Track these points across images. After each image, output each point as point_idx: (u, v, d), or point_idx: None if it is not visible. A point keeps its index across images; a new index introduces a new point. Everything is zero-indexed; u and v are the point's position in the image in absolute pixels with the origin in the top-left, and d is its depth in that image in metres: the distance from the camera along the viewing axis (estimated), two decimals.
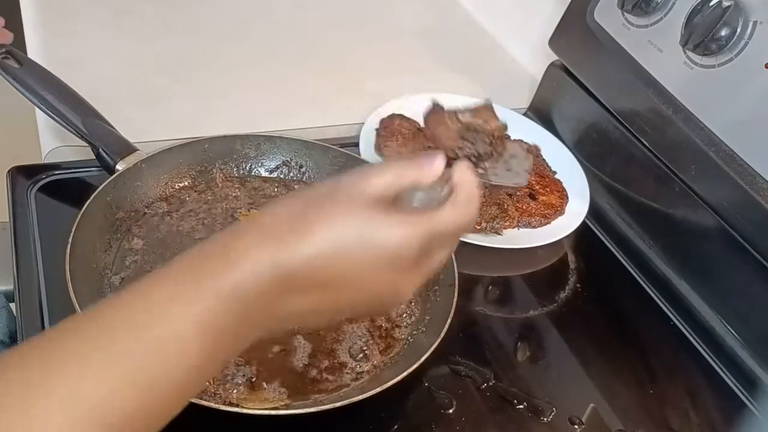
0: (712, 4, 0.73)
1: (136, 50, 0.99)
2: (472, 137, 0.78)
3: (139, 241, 0.72)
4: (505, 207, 0.84)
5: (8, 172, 0.79)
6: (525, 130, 0.96)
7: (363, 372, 0.65)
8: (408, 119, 0.94)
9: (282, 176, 0.83)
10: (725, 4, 0.71)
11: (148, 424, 0.39)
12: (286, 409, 0.60)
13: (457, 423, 0.65)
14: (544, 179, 0.90)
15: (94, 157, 0.77)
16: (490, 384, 0.69)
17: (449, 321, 0.66)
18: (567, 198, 0.89)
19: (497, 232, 0.83)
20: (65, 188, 0.80)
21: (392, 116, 0.93)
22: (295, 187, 0.83)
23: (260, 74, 1.00)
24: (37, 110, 0.83)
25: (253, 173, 0.83)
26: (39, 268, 0.70)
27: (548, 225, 0.86)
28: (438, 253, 0.47)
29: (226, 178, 0.81)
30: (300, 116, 0.94)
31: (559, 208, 0.87)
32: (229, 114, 0.92)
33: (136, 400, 0.38)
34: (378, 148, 0.90)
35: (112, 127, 0.78)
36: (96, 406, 0.37)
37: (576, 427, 0.67)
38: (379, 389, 0.60)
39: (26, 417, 0.36)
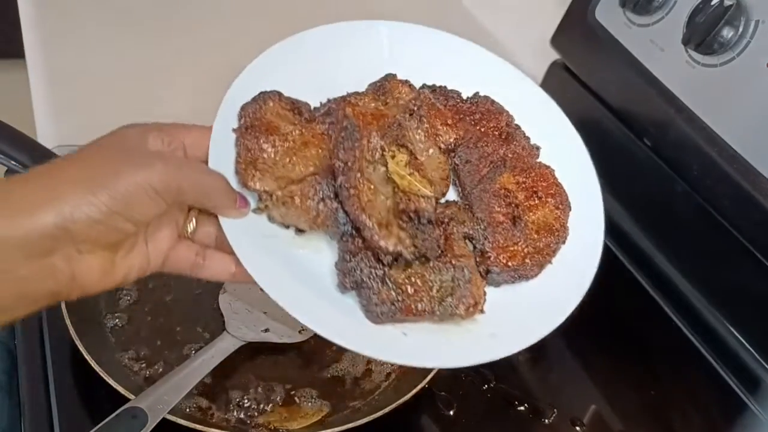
0: (713, 3, 0.72)
1: (135, 49, 0.99)
2: (411, 228, 0.50)
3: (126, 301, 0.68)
4: (464, 272, 0.51)
5: (7, 172, 0.78)
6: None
7: (390, 371, 0.66)
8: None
9: None
10: (727, 3, 0.71)
11: None
12: (323, 426, 0.60)
13: (458, 424, 0.65)
14: (528, 172, 0.58)
15: None
16: (492, 385, 0.68)
17: None
18: (569, 207, 0.57)
19: (455, 315, 0.50)
20: None
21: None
22: None
23: None
24: (36, 110, 0.83)
25: None
26: None
27: (549, 266, 0.55)
28: None
29: None
30: None
31: (559, 230, 0.55)
32: None
33: None
34: None
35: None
36: None
37: (577, 428, 0.67)
38: (415, 390, 0.61)
39: None
